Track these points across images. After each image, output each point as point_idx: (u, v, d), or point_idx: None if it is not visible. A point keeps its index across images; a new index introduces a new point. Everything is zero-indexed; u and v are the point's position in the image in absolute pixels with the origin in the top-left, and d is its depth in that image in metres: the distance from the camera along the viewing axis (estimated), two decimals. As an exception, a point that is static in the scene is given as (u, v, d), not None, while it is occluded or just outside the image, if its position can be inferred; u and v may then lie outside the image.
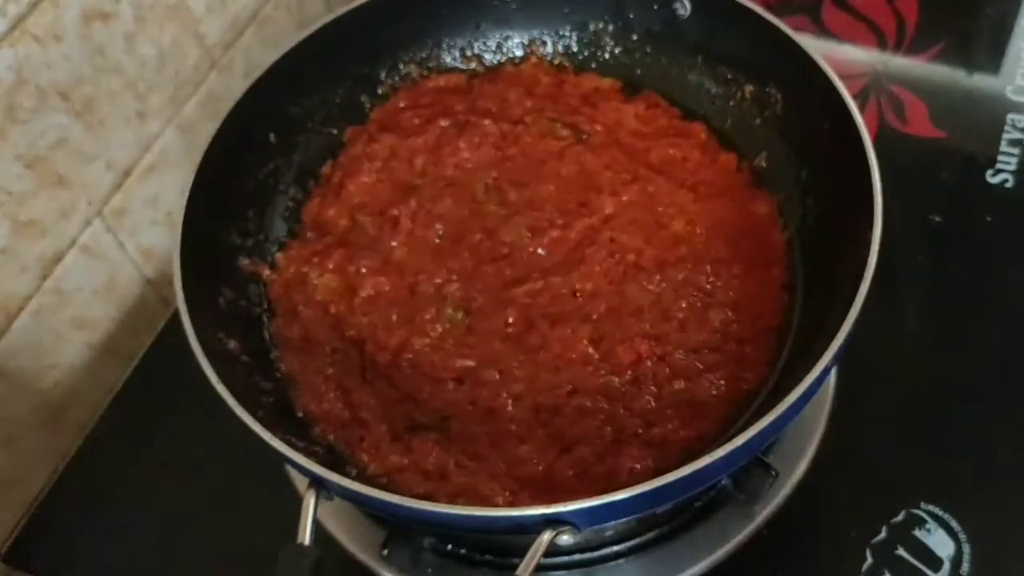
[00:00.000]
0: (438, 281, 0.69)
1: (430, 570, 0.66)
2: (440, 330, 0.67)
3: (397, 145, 0.77)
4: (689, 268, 0.68)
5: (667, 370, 0.64)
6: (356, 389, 0.65)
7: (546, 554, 0.50)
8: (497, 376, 0.64)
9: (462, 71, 0.83)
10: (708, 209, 0.71)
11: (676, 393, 0.63)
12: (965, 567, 0.63)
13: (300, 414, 0.65)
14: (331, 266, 0.71)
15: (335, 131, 0.79)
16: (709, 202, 0.72)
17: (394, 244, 0.72)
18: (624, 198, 0.72)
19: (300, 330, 0.69)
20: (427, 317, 0.68)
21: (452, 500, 0.59)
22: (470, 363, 0.65)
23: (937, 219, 0.80)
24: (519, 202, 0.73)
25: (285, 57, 0.73)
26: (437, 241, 0.72)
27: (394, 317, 0.68)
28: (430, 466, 0.61)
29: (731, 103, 0.77)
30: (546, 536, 0.50)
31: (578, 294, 0.67)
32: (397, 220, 0.73)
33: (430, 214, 0.73)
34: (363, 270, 0.70)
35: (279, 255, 0.73)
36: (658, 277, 0.68)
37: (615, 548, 0.66)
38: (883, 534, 0.65)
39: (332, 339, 0.68)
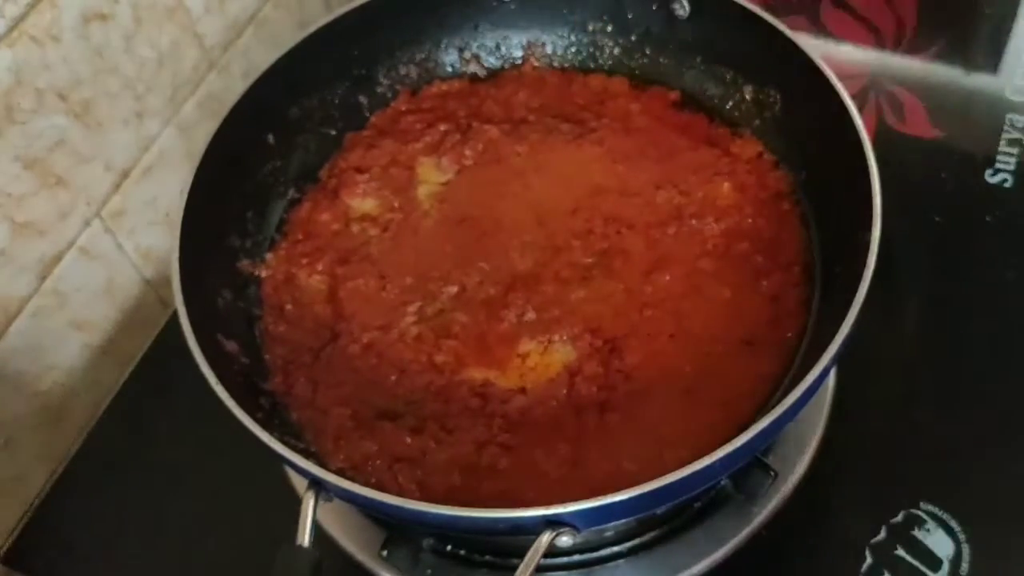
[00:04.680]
0: (432, 286, 0.69)
1: (429, 571, 0.66)
2: (420, 329, 0.67)
3: (397, 151, 0.77)
4: (703, 271, 0.68)
5: (671, 373, 0.63)
6: (324, 381, 0.65)
7: (545, 555, 0.50)
8: (493, 380, 0.64)
9: (463, 74, 0.83)
10: (721, 204, 0.71)
11: (681, 396, 0.62)
12: (964, 567, 0.63)
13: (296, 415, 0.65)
14: (320, 268, 0.71)
15: (333, 132, 0.79)
16: (720, 195, 0.72)
17: (388, 249, 0.72)
18: (631, 200, 0.72)
19: (285, 327, 0.69)
20: (409, 316, 0.68)
21: (440, 471, 0.60)
22: (453, 362, 0.65)
23: (937, 219, 0.80)
24: (520, 206, 0.73)
25: (284, 58, 0.72)
26: (435, 246, 0.72)
27: (376, 316, 0.68)
28: (403, 451, 0.61)
29: (730, 104, 0.77)
30: (546, 537, 0.50)
31: (581, 296, 0.67)
32: (392, 227, 0.73)
33: (429, 219, 0.73)
34: (352, 274, 0.70)
35: (270, 255, 0.73)
36: (668, 278, 0.67)
37: (614, 549, 0.66)
38: (883, 534, 0.65)
39: (312, 335, 0.68)
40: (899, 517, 0.66)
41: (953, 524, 0.65)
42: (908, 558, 0.64)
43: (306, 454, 0.59)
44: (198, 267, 0.63)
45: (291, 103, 0.76)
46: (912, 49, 0.93)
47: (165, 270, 0.79)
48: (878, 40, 0.94)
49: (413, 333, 0.67)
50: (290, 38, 0.73)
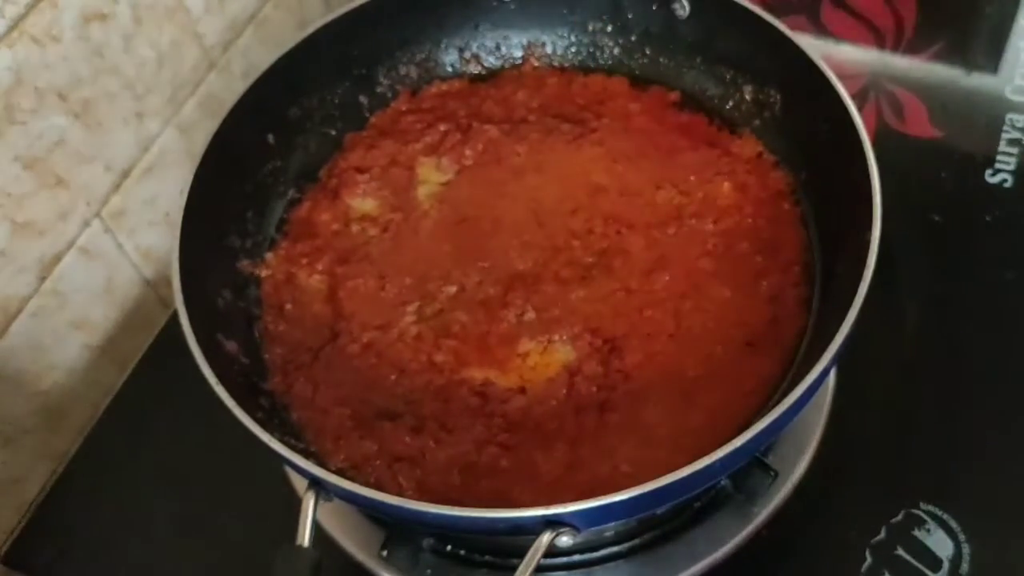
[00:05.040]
0: (432, 286, 0.69)
1: (429, 571, 0.66)
2: (420, 328, 0.67)
3: (397, 151, 0.77)
4: (703, 270, 0.68)
5: (671, 373, 0.63)
6: (324, 381, 0.66)
7: (545, 555, 0.50)
8: (493, 380, 0.64)
9: (463, 74, 0.83)
10: (721, 204, 0.71)
11: (681, 396, 0.62)
12: (964, 567, 0.63)
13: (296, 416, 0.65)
14: (320, 268, 0.71)
15: (333, 132, 0.79)
16: (720, 195, 0.72)
17: (388, 249, 0.72)
18: (631, 200, 0.72)
19: (285, 326, 0.69)
20: (408, 315, 0.68)
21: (439, 470, 0.60)
22: (452, 362, 0.65)
23: (936, 219, 0.80)
24: (520, 207, 0.73)
25: (284, 58, 0.73)
26: (435, 246, 0.72)
27: (375, 316, 0.68)
28: (403, 451, 0.61)
29: (730, 104, 0.77)
30: (546, 537, 0.50)
31: (581, 296, 0.67)
32: (392, 227, 0.73)
33: (429, 219, 0.73)
34: (352, 274, 0.70)
35: (270, 255, 0.73)
36: (668, 278, 0.67)
37: (614, 549, 0.66)
38: (882, 534, 0.65)
39: (312, 334, 0.68)
40: (899, 517, 0.66)
41: (953, 524, 0.65)
42: (908, 558, 0.64)
43: (306, 454, 0.59)
44: (198, 267, 0.63)
45: (291, 103, 0.76)
46: (912, 49, 0.93)
47: (165, 270, 0.80)
48: (878, 40, 0.94)
49: (413, 333, 0.67)
50: (290, 38, 0.73)
